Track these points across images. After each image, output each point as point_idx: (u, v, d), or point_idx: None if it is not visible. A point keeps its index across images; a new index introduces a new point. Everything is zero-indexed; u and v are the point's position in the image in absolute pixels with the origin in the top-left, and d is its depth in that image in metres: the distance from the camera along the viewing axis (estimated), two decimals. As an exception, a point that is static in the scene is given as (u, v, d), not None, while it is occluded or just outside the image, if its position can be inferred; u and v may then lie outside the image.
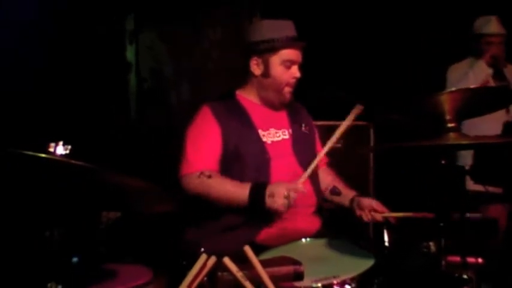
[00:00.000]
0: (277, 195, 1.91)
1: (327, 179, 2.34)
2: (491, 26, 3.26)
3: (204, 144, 2.10)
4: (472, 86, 2.08)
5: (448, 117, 1.43)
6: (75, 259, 1.64)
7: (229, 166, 2.10)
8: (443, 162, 1.55)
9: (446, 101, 1.40)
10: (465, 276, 1.46)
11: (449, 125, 1.44)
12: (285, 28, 2.13)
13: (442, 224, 1.52)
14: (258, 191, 1.95)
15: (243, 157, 2.09)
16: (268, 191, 1.93)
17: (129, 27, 3.73)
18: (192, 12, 3.78)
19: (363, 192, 2.34)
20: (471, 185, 2.59)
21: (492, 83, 3.27)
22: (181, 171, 2.08)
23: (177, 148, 2.18)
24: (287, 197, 1.90)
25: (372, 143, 3.43)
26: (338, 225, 2.23)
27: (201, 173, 2.03)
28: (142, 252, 2.56)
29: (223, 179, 2.04)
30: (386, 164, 3.41)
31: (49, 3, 2.98)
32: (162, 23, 3.80)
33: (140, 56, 3.78)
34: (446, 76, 3.38)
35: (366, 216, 2.10)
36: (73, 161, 1.16)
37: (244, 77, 2.24)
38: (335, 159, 3.18)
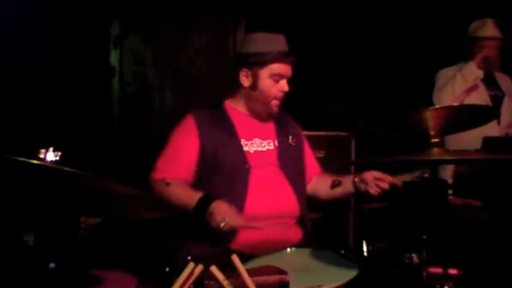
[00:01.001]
0: (213, 218, 1.94)
1: (326, 178, 2.33)
2: (487, 29, 3.12)
3: (175, 154, 2.15)
4: (451, 102, 2.06)
5: (432, 132, 1.48)
6: (52, 264, 1.64)
7: (208, 175, 2.14)
8: (426, 176, 1.59)
9: (430, 117, 1.44)
10: (446, 288, 1.50)
11: (433, 140, 1.49)
12: (276, 42, 2.16)
13: (424, 237, 1.56)
14: (203, 204, 1.99)
15: (221, 165, 2.12)
16: (210, 208, 1.96)
17: (114, 32, 3.72)
18: (177, 18, 3.79)
19: (343, 204, 2.37)
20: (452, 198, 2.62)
21: (482, 87, 3.17)
22: (150, 175, 2.16)
23: (159, 154, 2.22)
24: (223, 225, 1.91)
25: (353, 154, 3.46)
26: (320, 236, 2.25)
27: (163, 180, 2.09)
28: (123, 258, 2.54)
29: (180, 188, 2.09)
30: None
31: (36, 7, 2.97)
32: (147, 28, 3.80)
33: (124, 60, 3.77)
34: (435, 80, 3.28)
35: (372, 188, 2.07)
36: (66, 168, 1.16)
37: (233, 86, 2.26)
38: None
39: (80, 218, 2.53)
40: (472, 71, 3.09)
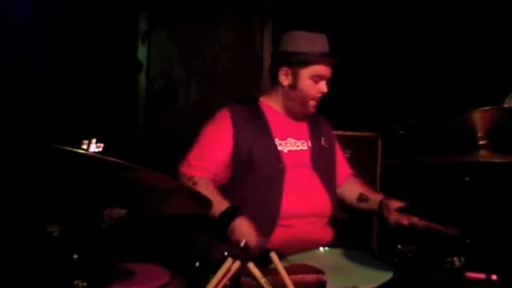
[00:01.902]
0: (233, 235, 1.93)
1: (355, 188, 2.34)
2: None
3: (208, 151, 2.13)
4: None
5: (479, 134, 1.45)
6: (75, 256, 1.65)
7: (242, 173, 2.12)
8: (467, 179, 1.55)
9: (478, 119, 1.41)
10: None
11: (481, 142, 1.46)
12: (319, 42, 2.14)
13: (468, 240, 1.53)
14: (227, 218, 1.97)
15: (255, 164, 2.10)
16: (232, 224, 1.95)
17: (142, 27, 3.73)
18: (203, 14, 3.79)
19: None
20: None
21: None
22: (179, 167, 2.14)
23: (184, 149, 2.21)
24: (242, 244, 1.87)
25: (379, 154, 3.43)
26: (350, 236, 2.24)
27: (191, 177, 2.08)
28: (151, 251, 2.55)
29: (206, 190, 2.02)
30: (392, 175, 3.42)
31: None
32: (174, 24, 3.80)
33: (151, 56, 3.78)
34: None
35: (392, 220, 2.09)
36: (112, 159, 1.16)
37: (270, 84, 2.26)
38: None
39: (103, 211, 2.55)
40: None
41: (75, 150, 1.18)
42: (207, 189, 2.04)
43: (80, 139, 1.41)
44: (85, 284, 1.36)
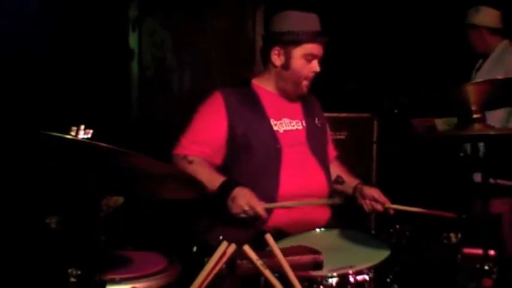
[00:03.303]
0: (236, 203, 1.92)
1: (336, 169, 2.34)
2: None
3: (201, 131, 2.12)
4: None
5: (473, 107, 1.43)
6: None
7: (238, 154, 2.10)
8: (461, 154, 1.54)
9: (472, 92, 1.39)
10: (486, 268, 1.47)
11: (475, 115, 1.44)
12: (311, 21, 2.12)
13: (464, 216, 1.52)
14: (226, 189, 1.96)
15: (252, 146, 2.09)
16: (232, 194, 1.93)
17: (132, 14, 3.68)
18: (195, 0, 3.75)
19: (365, 182, 2.35)
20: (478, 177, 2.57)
21: None
22: (172, 150, 2.13)
23: (178, 137, 2.18)
24: (244, 212, 1.90)
25: (375, 135, 3.42)
26: (346, 217, 2.23)
27: (185, 156, 2.08)
28: (149, 239, 2.54)
29: (202, 167, 2.05)
30: (389, 155, 3.42)
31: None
32: (165, 11, 3.76)
33: (143, 43, 3.74)
34: None
35: (367, 206, 2.12)
36: (102, 144, 1.14)
37: (262, 65, 2.23)
38: (338, 150, 3.20)
39: (101, 200, 2.54)
40: None
41: (63, 136, 1.15)
42: (203, 167, 2.05)
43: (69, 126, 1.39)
44: (79, 272, 1.35)
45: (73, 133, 1.33)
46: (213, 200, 1.96)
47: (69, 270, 1.35)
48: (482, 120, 1.44)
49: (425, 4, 3.70)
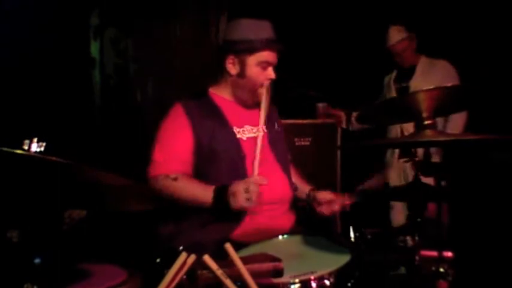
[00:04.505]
0: (238, 193, 1.91)
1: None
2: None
3: (172, 146, 2.08)
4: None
5: (424, 114, 1.47)
6: (37, 260, 1.60)
7: (204, 165, 2.09)
8: (416, 159, 1.58)
9: (423, 99, 1.43)
10: (442, 270, 1.50)
11: (426, 122, 1.48)
12: (264, 29, 2.12)
13: (419, 220, 1.55)
14: (221, 193, 1.96)
15: (217, 155, 2.08)
16: (229, 192, 1.93)
17: (94, 23, 3.64)
18: (159, 8, 3.72)
19: (331, 186, 2.39)
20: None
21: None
22: (149, 173, 2.07)
23: (142, 146, 2.17)
24: (247, 191, 1.90)
25: (338, 141, 3.48)
26: (309, 222, 2.25)
27: (167, 175, 2.01)
28: (112, 251, 2.50)
29: (189, 181, 2.03)
30: (352, 159, 3.47)
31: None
32: (128, 19, 3.73)
33: (105, 52, 3.69)
34: None
35: (326, 210, 2.15)
36: (53, 158, 1.12)
37: (218, 74, 2.22)
38: (303, 156, 3.24)
39: (63, 213, 2.49)
40: None
41: (13, 151, 1.13)
42: (190, 180, 2.04)
43: (23, 139, 1.36)
44: (35, 287, 1.31)
45: (26, 147, 1.30)
46: (212, 207, 1.96)
47: (25, 286, 1.32)
48: (433, 126, 1.48)
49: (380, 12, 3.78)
